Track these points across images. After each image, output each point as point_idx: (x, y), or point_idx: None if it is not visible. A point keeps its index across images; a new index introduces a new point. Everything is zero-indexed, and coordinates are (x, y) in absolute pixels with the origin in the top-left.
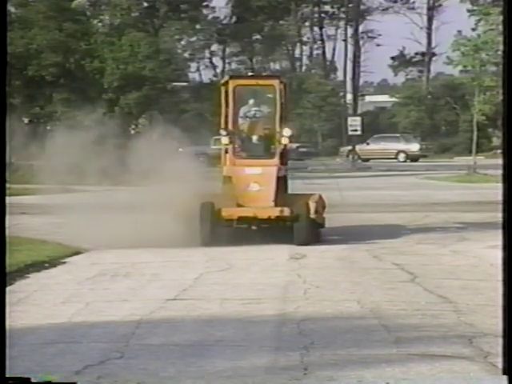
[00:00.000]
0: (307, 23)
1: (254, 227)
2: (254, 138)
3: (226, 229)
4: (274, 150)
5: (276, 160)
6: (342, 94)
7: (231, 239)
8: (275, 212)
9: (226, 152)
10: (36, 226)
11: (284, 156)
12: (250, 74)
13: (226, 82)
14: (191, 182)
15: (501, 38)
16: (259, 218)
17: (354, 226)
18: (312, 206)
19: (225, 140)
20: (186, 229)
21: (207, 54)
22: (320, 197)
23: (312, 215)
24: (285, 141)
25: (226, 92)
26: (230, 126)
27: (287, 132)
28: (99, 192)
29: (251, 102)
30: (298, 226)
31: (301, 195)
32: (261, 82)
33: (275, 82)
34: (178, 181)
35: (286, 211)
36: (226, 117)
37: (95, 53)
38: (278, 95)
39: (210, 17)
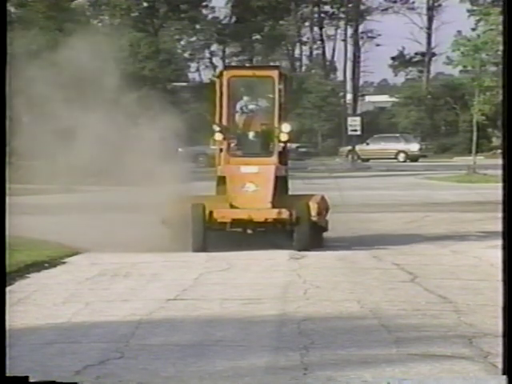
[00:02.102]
0: (307, 23)
1: (249, 231)
2: (251, 135)
3: (220, 233)
4: (273, 148)
5: (274, 158)
6: (341, 94)
7: (226, 244)
8: (272, 214)
9: (221, 151)
10: (36, 226)
11: (283, 155)
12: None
13: (221, 74)
14: (187, 183)
15: (501, 38)
16: (255, 220)
17: (353, 226)
18: (314, 207)
19: (218, 136)
20: (176, 232)
21: (207, 54)
22: (322, 197)
23: (314, 217)
24: (284, 137)
25: (221, 84)
26: (224, 122)
27: (286, 128)
28: (97, 192)
29: (248, 95)
30: (298, 229)
31: (301, 196)
32: (258, 72)
33: (274, 73)
34: (174, 182)
35: (285, 213)
36: (221, 112)
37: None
38: (276, 87)
39: (210, 17)
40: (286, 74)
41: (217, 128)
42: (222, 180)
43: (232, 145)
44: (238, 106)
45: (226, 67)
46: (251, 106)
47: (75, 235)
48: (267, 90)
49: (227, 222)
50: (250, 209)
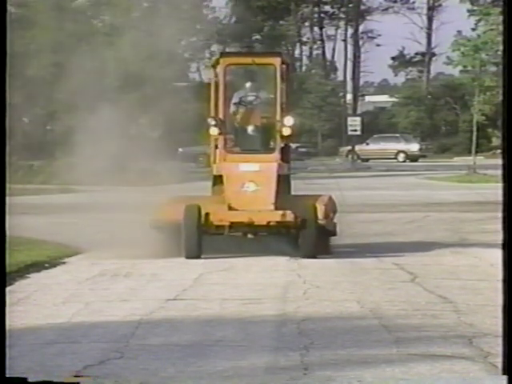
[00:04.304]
0: (307, 23)
1: (250, 235)
2: (250, 129)
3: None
4: (274, 144)
5: (276, 155)
6: (341, 94)
7: (224, 249)
8: (276, 216)
9: (217, 147)
10: (36, 226)
11: (286, 151)
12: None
13: (217, 62)
14: (185, 183)
15: (501, 38)
16: (256, 223)
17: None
18: (321, 209)
19: (213, 131)
20: (167, 237)
21: (207, 54)
22: (330, 198)
23: (321, 220)
24: (286, 132)
25: (217, 74)
26: (220, 115)
27: (289, 121)
28: (94, 192)
29: (247, 85)
30: (304, 233)
31: (306, 196)
32: (258, 60)
33: (276, 61)
34: (172, 181)
35: (290, 215)
36: (217, 104)
37: (95, 53)
38: (278, 76)
39: (210, 17)
40: (288, 61)
41: (212, 122)
42: (217, 179)
43: (227, 139)
44: (235, 98)
45: (223, 54)
46: (250, 98)
47: (63, 236)
48: (268, 80)
49: (225, 225)
50: (251, 211)
